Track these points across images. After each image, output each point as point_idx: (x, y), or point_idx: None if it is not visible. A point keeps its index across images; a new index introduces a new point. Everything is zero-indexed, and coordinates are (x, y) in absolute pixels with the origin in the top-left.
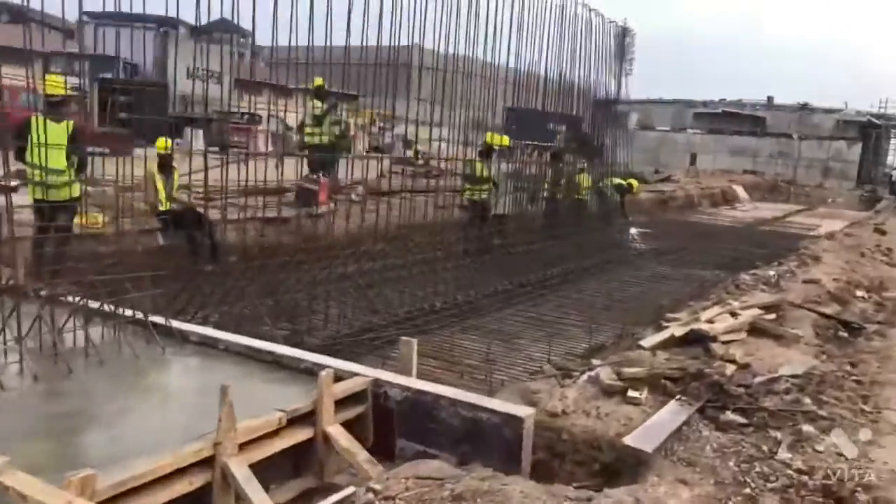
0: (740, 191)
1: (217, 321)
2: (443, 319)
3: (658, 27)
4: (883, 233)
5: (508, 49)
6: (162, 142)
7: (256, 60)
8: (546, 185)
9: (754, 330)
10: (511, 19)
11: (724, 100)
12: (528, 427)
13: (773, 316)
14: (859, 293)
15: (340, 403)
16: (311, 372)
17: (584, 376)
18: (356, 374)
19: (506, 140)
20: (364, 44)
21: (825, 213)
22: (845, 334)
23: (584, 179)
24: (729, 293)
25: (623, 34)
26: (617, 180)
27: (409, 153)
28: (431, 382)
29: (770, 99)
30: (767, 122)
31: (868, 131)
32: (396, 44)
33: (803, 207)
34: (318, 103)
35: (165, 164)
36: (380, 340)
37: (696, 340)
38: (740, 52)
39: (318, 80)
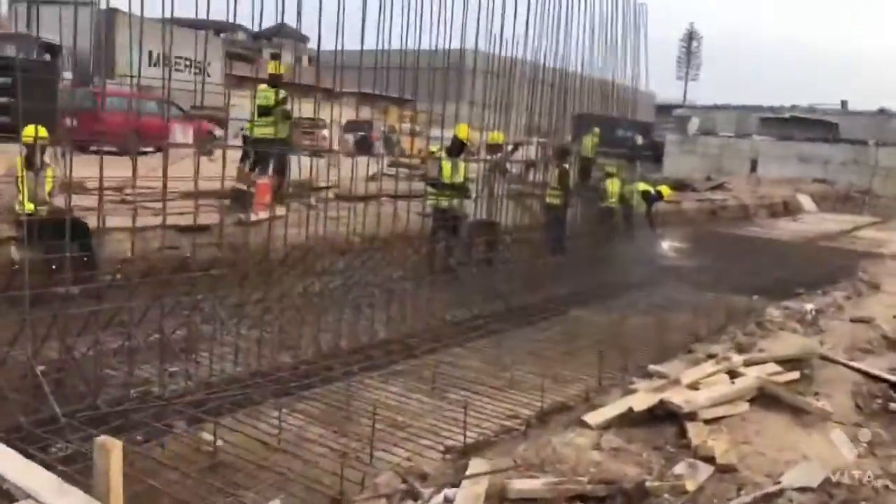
0: (806, 201)
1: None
2: (357, 362)
3: (722, 28)
4: None
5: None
6: (30, 130)
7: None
8: (552, 189)
9: (764, 398)
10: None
11: (797, 106)
12: None
13: (794, 376)
14: None
15: None
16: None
17: (439, 497)
18: None
19: (499, 136)
20: (418, 46)
21: None
22: None
23: (613, 185)
24: (748, 334)
25: (690, 38)
26: (643, 186)
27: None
28: None
29: (844, 104)
30: (840, 128)
31: None
32: (447, 46)
33: (876, 220)
34: (270, 93)
35: (33, 159)
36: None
37: (669, 416)
38: (810, 57)
39: (272, 66)
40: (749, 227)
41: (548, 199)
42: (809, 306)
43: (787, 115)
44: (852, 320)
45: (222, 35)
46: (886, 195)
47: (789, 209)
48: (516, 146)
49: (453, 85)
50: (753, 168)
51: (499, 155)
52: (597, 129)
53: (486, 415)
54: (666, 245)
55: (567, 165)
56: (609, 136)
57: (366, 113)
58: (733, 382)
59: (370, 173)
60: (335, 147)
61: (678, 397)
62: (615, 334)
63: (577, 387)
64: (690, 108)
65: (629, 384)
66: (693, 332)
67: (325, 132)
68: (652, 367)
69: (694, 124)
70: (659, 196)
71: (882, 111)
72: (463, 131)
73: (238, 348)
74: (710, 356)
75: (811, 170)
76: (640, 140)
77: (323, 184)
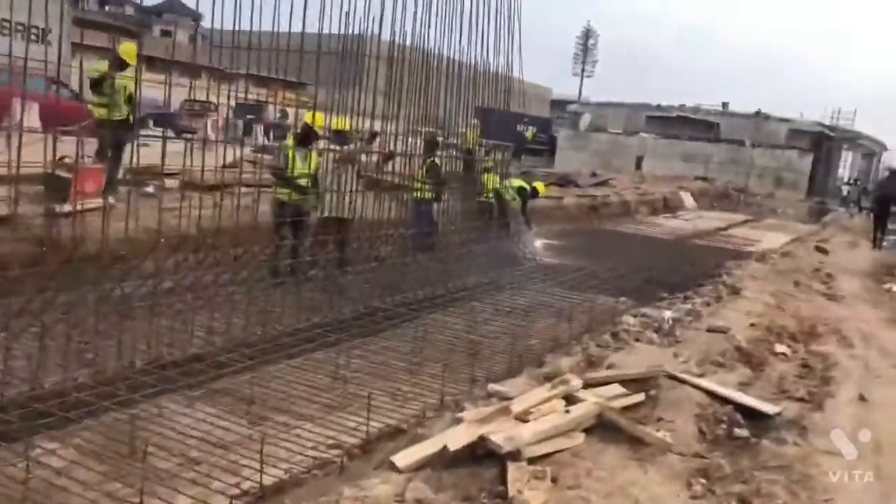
0: (688, 198)
1: None
2: (162, 381)
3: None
4: (825, 252)
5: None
6: None
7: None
8: (419, 182)
9: (603, 427)
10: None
11: (683, 105)
12: None
13: (638, 398)
14: (780, 348)
15: None
16: None
17: None
18: None
19: (343, 123)
20: (320, 31)
21: (771, 224)
22: (744, 433)
23: (491, 180)
24: (601, 346)
25: (586, 35)
26: (518, 182)
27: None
28: None
29: (725, 105)
30: (721, 129)
31: (820, 142)
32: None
33: (750, 218)
34: (101, 65)
35: None
36: None
37: (492, 454)
38: (696, 59)
39: (124, 49)
40: (629, 223)
41: (415, 194)
42: (667, 314)
43: (673, 115)
44: (709, 330)
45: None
46: (761, 193)
47: (670, 206)
48: (374, 135)
49: (351, 71)
50: (638, 165)
51: (352, 145)
52: (476, 121)
53: (302, 445)
54: (539, 243)
55: (434, 158)
56: (511, 131)
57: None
58: (568, 411)
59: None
60: (210, 132)
61: (503, 431)
62: (470, 341)
63: (417, 405)
64: (583, 104)
65: (458, 412)
66: (553, 338)
67: (216, 116)
68: (492, 387)
69: (585, 120)
70: (534, 193)
71: (758, 113)
72: (314, 118)
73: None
74: (547, 379)
75: (694, 168)
76: (529, 134)
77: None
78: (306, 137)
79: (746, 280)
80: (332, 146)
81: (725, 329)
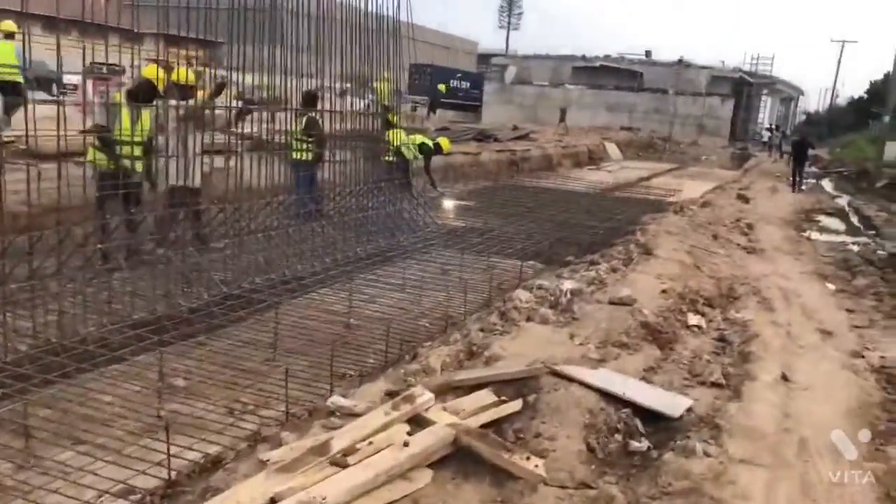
0: (613, 149)
1: None
2: None
3: None
4: (746, 200)
5: None
6: None
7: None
8: (297, 142)
9: (459, 458)
10: None
11: (609, 56)
12: None
13: (514, 407)
14: (694, 319)
15: None
16: None
17: None
18: None
19: (187, 74)
20: None
21: (695, 172)
22: (643, 445)
23: (396, 137)
24: (487, 329)
25: None
26: (420, 138)
27: None
28: None
29: (648, 53)
30: (645, 78)
31: (740, 88)
32: None
33: (674, 166)
34: None
35: None
36: None
37: None
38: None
39: None
40: (551, 177)
41: (293, 155)
42: (566, 285)
43: (597, 65)
44: (612, 302)
45: None
46: (684, 141)
47: (594, 158)
48: (220, 87)
49: (266, 26)
50: (562, 117)
51: (195, 100)
52: (389, 75)
53: (83, 487)
54: (449, 203)
55: (315, 114)
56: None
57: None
58: (407, 444)
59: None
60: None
61: (307, 482)
62: (346, 327)
63: (256, 421)
64: (508, 57)
65: (268, 452)
66: (444, 316)
67: (123, 78)
68: (334, 401)
69: (511, 73)
70: (438, 149)
71: (680, 61)
72: (153, 72)
73: None
74: (389, 395)
75: (619, 118)
76: (442, 87)
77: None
78: (144, 94)
79: (662, 237)
80: (173, 103)
81: (631, 301)
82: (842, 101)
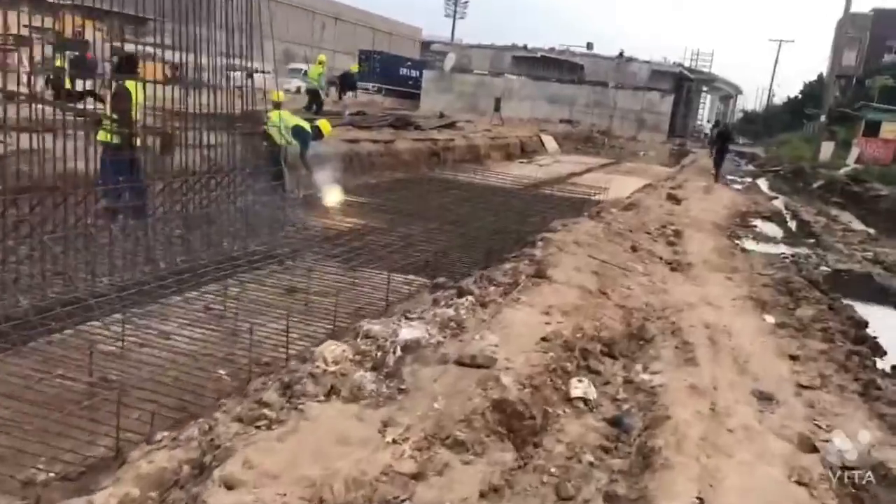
0: (550, 141)
1: None
2: None
3: None
4: (677, 201)
5: None
6: None
7: None
8: (106, 122)
9: None
10: None
11: (553, 48)
12: None
13: None
14: (578, 389)
15: None
16: None
17: None
18: None
19: None
20: None
21: (630, 168)
22: None
23: (280, 117)
24: (249, 418)
25: None
26: (294, 120)
27: None
28: None
29: (589, 45)
30: (586, 70)
31: (681, 84)
32: None
33: (610, 161)
34: None
35: None
36: None
37: None
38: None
39: None
40: (476, 170)
41: (99, 137)
42: (402, 334)
43: (538, 55)
44: (461, 363)
45: None
46: (623, 136)
47: (527, 150)
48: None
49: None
50: (497, 107)
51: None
52: (323, 57)
53: None
54: (337, 200)
55: (127, 88)
56: (394, 73)
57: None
58: None
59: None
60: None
61: None
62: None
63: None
64: (448, 44)
65: None
66: (217, 388)
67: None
68: None
69: (450, 60)
70: (318, 133)
71: (621, 55)
72: None
73: None
74: None
75: (560, 110)
76: (353, 68)
77: None
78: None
79: (567, 250)
80: None
81: (489, 361)
82: (778, 100)
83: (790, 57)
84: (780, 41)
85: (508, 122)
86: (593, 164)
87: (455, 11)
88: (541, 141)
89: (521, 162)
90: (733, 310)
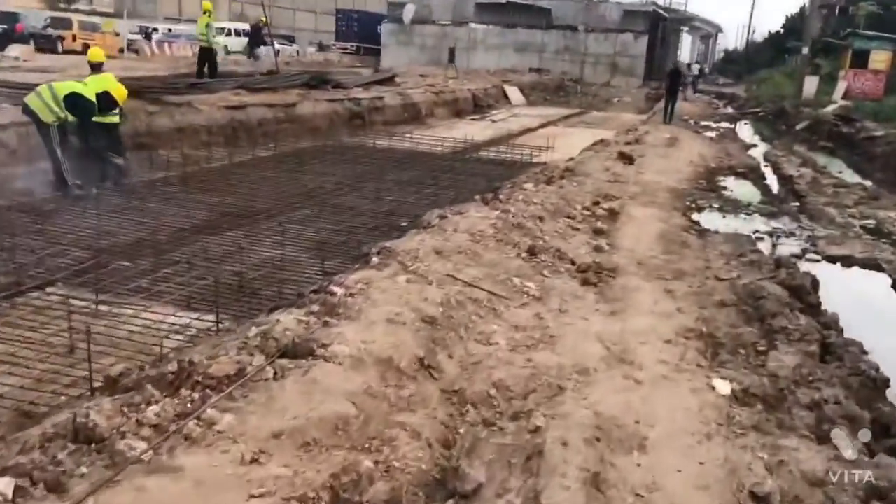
0: (514, 93)
1: None
2: None
3: None
4: (630, 160)
5: None
6: None
7: None
8: None
9: None
10: None
11: None
12: None
13: None
14: None
15: None
16: None
17: None
18: None
19: None
20: None
21: (597, 118)
22: None
23: (99, 84)
24: None
25: None
26: (67, 86)
27: None
28: None
29: None
30: (553, 14)
31: (656, 24)
32: None
33: (575, 112)
34: None
35: None
36: None
37: None
38: None
39: None
40: (409, 132)
41: None
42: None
43: (503, 1)
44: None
45: None
46: (596, 83)
47: (481, 105)
48: None
49: None
50: (451, 58)
51: None
52: (208, 4)
53: None
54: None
55: None
56: (373, 32)
57: None
58: None
59: None
60: None
61: None
62: None
63: None
64: None
65: None
66: None
67: None
68: None
69: (409, 11)
70: (107, 101)
71: None
72: None
73: None
74: None
75: (529, 59)
76: (262, 21)
77: None
78: None
79: (414, 267)
80: None
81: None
82: (759, 37)
83: None
84: None
85: (475, 74)
86: (554, 116)
87: None
88: (504, 93)
89: (472, 119)
90: (661, 373)
